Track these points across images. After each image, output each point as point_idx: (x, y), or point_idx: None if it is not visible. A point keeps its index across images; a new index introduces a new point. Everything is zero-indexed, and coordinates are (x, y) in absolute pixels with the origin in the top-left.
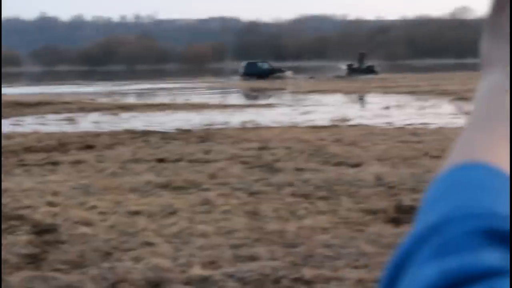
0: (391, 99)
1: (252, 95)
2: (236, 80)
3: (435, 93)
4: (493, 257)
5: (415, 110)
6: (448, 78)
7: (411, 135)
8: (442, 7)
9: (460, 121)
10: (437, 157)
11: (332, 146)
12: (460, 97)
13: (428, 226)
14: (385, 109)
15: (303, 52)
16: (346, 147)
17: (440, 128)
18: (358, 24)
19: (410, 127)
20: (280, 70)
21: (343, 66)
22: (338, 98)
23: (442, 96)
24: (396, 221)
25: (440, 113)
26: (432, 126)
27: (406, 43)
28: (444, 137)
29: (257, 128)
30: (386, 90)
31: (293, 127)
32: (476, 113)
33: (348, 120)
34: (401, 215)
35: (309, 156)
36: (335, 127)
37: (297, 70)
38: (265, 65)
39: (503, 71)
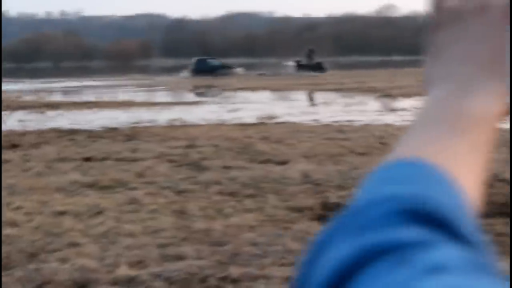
0: (319, 96)
1: (191, 92)
2: (184, 76)
3: (361, 90)
4: (410, 232)
5: (342, 107)
6: (373, 75)
7: (338, 132)
8: (368, 5)
9: (386, 118)
10: (363, 154)
11: (259, 143)
12: (386, 94)
13: (347, 212)
14: (312, 106)
15: (231, 49)
16: (273, 144)
17: (366, 125)
18: (286, 21)
19: (336, 124)
20: (230, 67)
21: (290, 63)
22: (266, 95)
23: (368, 93)
24: (322, 218)
25: (366, 110)
26: (358, 123)
27: (333, 40)
28: (370, 134)
29: (185, 126)
30: (314, 87)
31: (221, 124)
32: (415, 123)
33: (275, 118)
34: (327, 212)
35: (236, 154)
36: (262, 125)
37: (247, 67)
38: (215, 62)
39: (443, 88)
